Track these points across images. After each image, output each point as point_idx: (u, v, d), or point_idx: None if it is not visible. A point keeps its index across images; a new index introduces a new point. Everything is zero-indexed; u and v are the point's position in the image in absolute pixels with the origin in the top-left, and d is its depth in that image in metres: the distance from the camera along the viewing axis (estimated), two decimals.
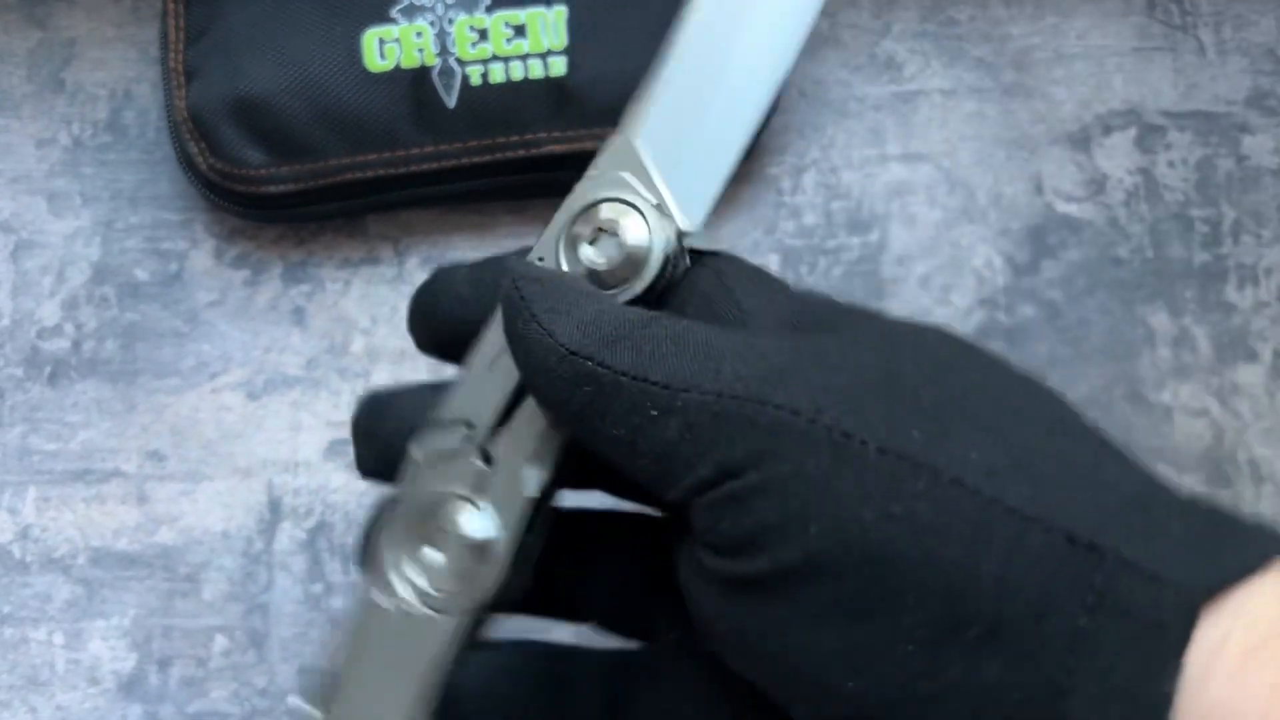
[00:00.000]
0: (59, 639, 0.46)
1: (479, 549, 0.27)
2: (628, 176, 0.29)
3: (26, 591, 0.46)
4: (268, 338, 0.48)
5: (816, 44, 0.50)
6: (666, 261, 0.27)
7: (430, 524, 0.28)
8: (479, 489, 0.28)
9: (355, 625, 0.29)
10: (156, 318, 0.48)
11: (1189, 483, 0.46)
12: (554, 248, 0.28)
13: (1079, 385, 0.47)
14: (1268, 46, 0.50)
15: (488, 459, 0.28)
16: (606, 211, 0.28)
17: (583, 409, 0.24)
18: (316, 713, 0.29)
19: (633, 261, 0.27)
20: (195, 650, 0.46)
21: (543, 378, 0.24)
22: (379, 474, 0.31)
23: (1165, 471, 0.46)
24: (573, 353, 0.24)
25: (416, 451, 0.29)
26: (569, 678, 0.29)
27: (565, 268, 0.28)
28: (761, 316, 0.26)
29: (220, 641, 0.46)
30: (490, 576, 0.27)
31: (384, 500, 0.30)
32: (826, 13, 0.50)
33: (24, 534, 0.47)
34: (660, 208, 0.28)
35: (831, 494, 0.21)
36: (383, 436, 0.30)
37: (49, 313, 0.49)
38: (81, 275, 0.49)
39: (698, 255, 0.28)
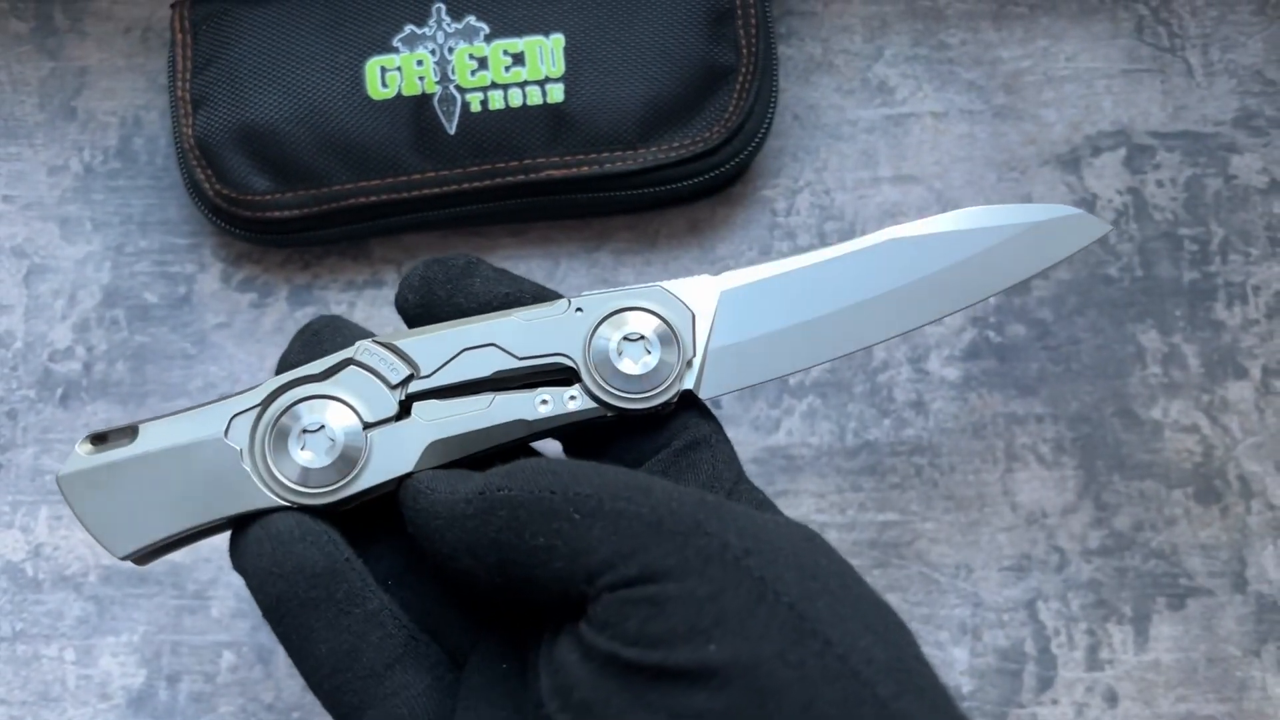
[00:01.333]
0: (70, 655, 0.47)
1: (334, 451, 0.31)
2: (680, 304, 0.33)
3: (39, 609, 0.47)
4: (274, 359, 0.49)
5: (810, 68, 0.51)
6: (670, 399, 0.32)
7: (310, 410, 0.31)
8: (372, 418, 0.31)
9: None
10: (165, 340, 0.50)
11: (1179, 499, 0.47)
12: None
13: (1070, 403, 0.48)
14: (1255, 68, 0.51)
15: (404, 410, 0.31)
16: (633, 321, 0.33)
17: (499, 532, 0.27)
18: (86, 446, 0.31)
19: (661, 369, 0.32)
20: (204, 666, 0.46)
21: (448, 521, 0.28)
22: (411, 310, 0.33)
23: (1155, 488, 0.46)
24: (481, 493, 0.27)
25: (358, 350, 0.31)
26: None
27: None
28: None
29: (228, 658, 0.47)
30: (335, 480, 0.31)
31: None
32: (820, 38, 0.51)
33: (36, 552, 0.48)
34: (687, 358, 0.33)
35: (741, 625, 0.24)
36: (430, 296, 0.33)
37: (61, 335, 0.50)
38: (92, 299, 0.50)
39: (705, 414, 0.33)
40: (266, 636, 0.47)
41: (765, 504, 0.31)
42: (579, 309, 0.32)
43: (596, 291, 0.33)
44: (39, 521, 0.48)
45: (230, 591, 0.47)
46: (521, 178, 0.47)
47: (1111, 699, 0.45)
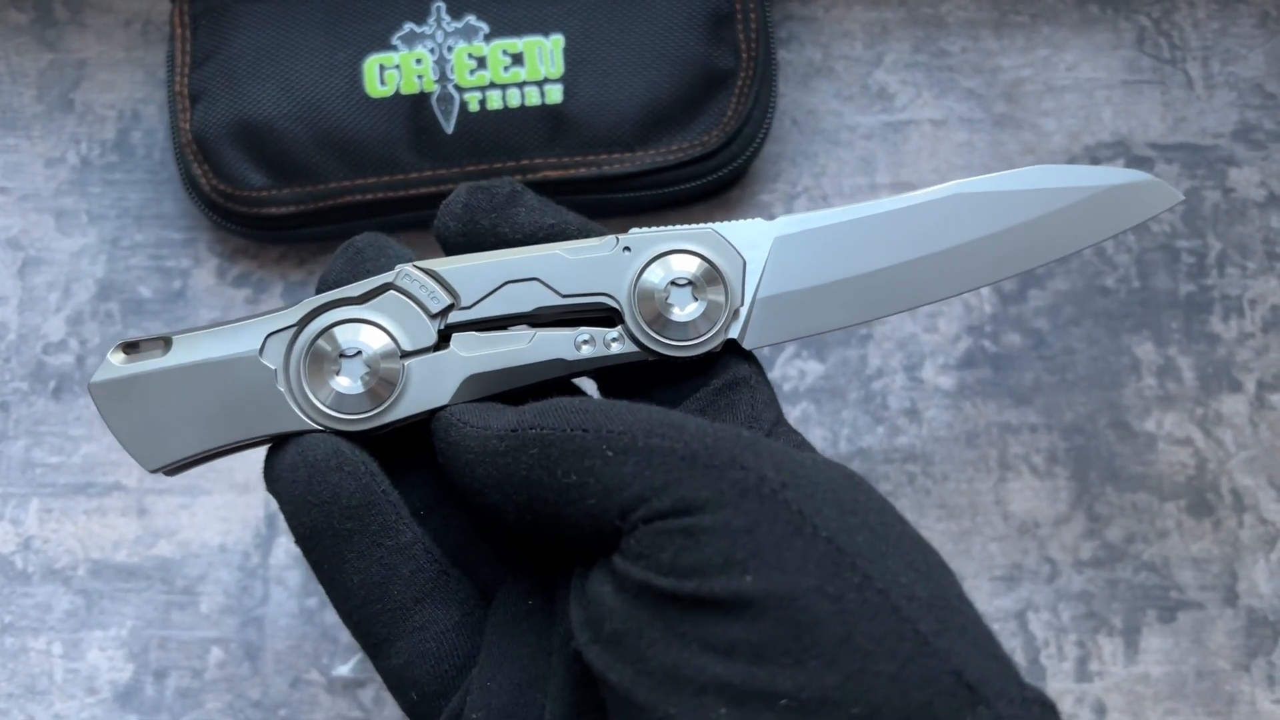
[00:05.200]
0: (58, 649, 0.47)
1: (370, 379, 0.30)
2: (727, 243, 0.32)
3: (27, 601, 0.47)
4: None
5: (809, 73, 0.51)
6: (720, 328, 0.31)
7: (346, 334, 0.30)
8: (410, 346, 0.30)
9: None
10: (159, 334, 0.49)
11: (1171, 511, 0.47)
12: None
13: (1064, 413, 0.47)
14: (1255, 81, 0.50)
15: (442, 340, 0.30)
16: (681, 264, 0.32)
17: (529, 469, 0.26)
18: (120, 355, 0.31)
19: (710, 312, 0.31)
20: (191, 662, 0.46)
21: (482, 456, 0.27)
22: (451, 238, 0.32)
23: (1148, 500, 0.46)
24: (513, 430, 0.27)
25: (399, 275, 0.31)
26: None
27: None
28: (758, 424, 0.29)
29: (216, 653, 0.46)
30: (369, 408, 0.30)
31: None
32: (820, 43, 0.51)
33: (26, 545, 0.48)
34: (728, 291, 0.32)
35: (778, 556, 0.24)
36: (472, 226, 0.32)
37: (54, 328, 0.50)
38: (87, 292, 0.50)
39: (746, 354, 0.32)
40: (254, 633, 0.46)
41: (804, 446, 0.31)
42: (626, 248, 0.31)
43: (647, 230, 0.31)
44: (29, 514, 0.48)
45: (219, 588, 0.47)
46: (519, 178, 0.47)
47: (1100, 711, 0.45)
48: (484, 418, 0.28)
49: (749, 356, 0.32)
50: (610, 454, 0.26)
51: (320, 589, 0.47)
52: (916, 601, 0.24)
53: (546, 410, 0.27)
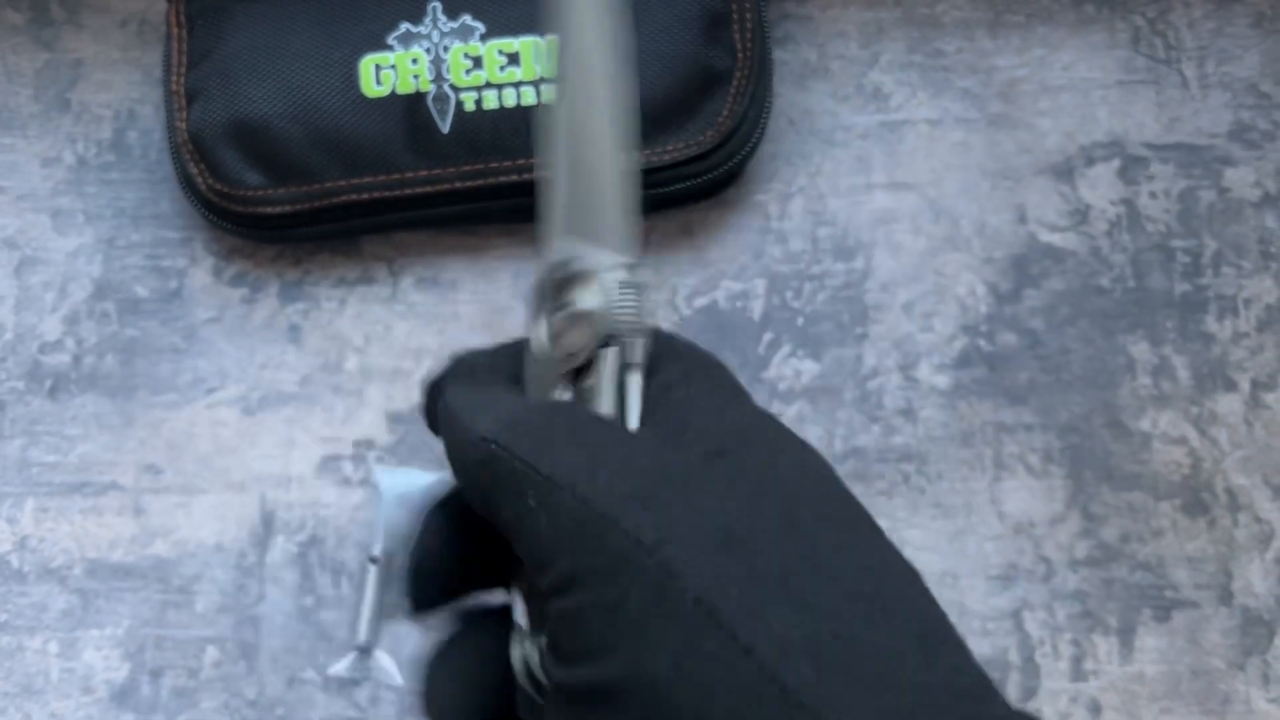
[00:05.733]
0: (54, 648, 0.47)
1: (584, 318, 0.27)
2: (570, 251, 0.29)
3: (23, 600, 0.47)
4: (264, 355, 0.49)
5: (805, 73, 0.51)
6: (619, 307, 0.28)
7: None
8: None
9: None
10: (155, 334, 0.49)
11: (1166, 510, 0.47)
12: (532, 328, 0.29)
13: (1059, 413, 0.48)
14: (1250, 81, 0.51)
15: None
16: (562, 285, 0.29)
17: (483, 489, 0.25)
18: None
19: (588, 324, 0.28)
20: (187, 661, 0.46)
21: (458, 462, 0.26)
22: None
23: (1143, 499, 0.46)
24: (483, 438, 0.25)
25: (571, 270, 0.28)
26: None
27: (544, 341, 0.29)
28: (692, 433, 0.26)
29: (211, 653, 0.46)
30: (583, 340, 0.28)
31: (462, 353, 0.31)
32: (815, 43, 0.51)
33: (22, 544, 0.48)
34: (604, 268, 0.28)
35: (639, 633, 0.22)
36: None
37: (51, 328, 0.50)
38: (83, 291, 0.50)
39: (689, 351, 0.29)
40: (250, 632, 0.47)
41: (748, 427, 0.28)
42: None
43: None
44: (25, 513, 0.48)
45: (215, 587, 0.47)
46: (515, 178, 0.47)
47: (1095, 710, 0.45)
48: (473, 412, 0.27)
49: (690, 357, 0.30)
50: (533, 503, 0.24)
51: (316, 588, 0.47)
52: (789, 653, 0.21)
53: (519, 421, 0.26)
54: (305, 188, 0.47)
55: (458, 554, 0.29)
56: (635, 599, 0.22)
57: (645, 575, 0.22)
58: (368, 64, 0.47)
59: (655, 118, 0.47)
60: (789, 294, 0.49)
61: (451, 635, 0.29)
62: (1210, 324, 0.48)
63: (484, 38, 0.47)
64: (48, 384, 0.49)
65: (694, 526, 0.23)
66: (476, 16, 0.47)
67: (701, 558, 0.22)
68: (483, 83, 0.47)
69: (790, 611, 0.22)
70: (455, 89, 0.47)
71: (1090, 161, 0.50)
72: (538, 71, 0.47)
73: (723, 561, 0.22)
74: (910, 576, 0.24)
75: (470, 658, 0.29)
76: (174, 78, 0.48)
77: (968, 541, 0.47)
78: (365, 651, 0.46)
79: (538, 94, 0.47)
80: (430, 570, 0.29)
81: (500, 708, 0.28)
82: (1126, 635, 0.46)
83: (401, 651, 0.46)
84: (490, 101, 0.47)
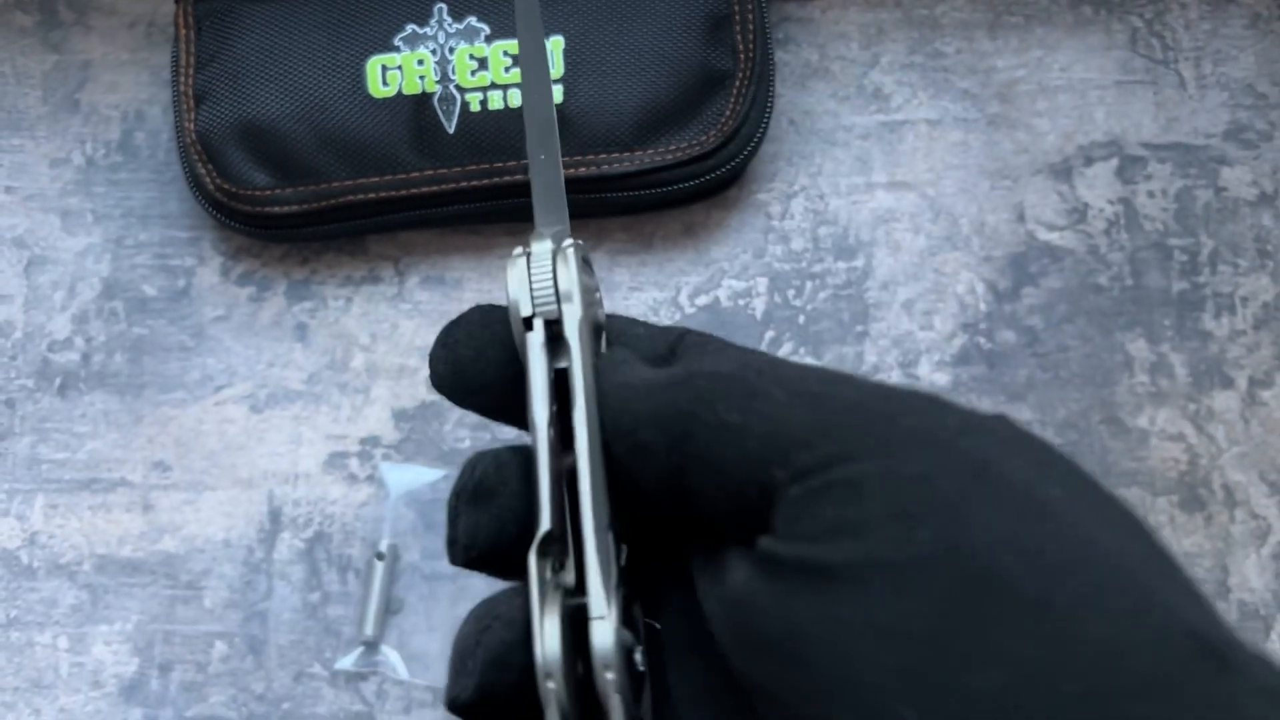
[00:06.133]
0: (63, 643, 0.47)
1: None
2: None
3: (33, 596, 0.48)
4: (271, 353, 0.50)
5: (806, 74, 0.52)
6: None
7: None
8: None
9: None
10: (164, 332, 0.50)
11: (1163, 506, 0.47)
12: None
13: (1057, 410, 0.48)
14: (1247, 81, 0.51)
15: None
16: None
17: (692, 403, 0.23)
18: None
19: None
20: (195, 656, 0.47)
21: (640, 395, 0.24)
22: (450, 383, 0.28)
23: (1140, 495, 0.47)
24: (683, 369, 0.24)
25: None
26: None
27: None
28: None
29: (220, 648, 0.47)
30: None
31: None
32: (816, 44, 0.52)
33: (32, 540, 0.48)
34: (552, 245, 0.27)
35: (956, 509, 0.20)
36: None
37: (60, 326, 0.50)
38: (92, 290, 0.50)
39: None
40: (258, 627, 0.47)
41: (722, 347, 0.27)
42: None
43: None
44: (34, 510, 0.48)
45: (223, 583, 0.47)
46: (519, 177, 0.48)
47: None
48: (648, 360, 0.26)
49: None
50: (780, 396, 0.23)
51: (322, 584, 0.47)
52: (1129, 553, 0.20)
53: (714, 358, 0.25)
54: (312, 187, 0.48)
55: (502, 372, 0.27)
56: (944, 479, 0.20)
57: (955, 458, 0.21)
58: (374, 65, 0.48)
59: (658, 119, 0.48)
60: (790, 292, 0.50)
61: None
62: (1207, 322, 0.49)
63: (489, 39, 0.48)
64: (57, 382, 0.50)
65: (986, 428, 0.22)
66: (482, 18, 0.48)
67: (1010, 455, 0.21)
68: (488, 83, 0.48)
69: (1113, 524, 0.21)
70: (461, 90, 0.48)
71: (1088, 161, 0.50)
72: None
73: (1031, 466, 0.21)
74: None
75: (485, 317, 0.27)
76: (182, 79, 0.49)
77: None
78: (372, 646, 0.46)
79: None
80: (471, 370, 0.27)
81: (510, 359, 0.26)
82: None
83: (408, 646, 0.46)
84: (495, 102, 0.47)
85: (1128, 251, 0.50)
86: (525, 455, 0.26)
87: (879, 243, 0.50)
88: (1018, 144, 0.51)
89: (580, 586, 0.24)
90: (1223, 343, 0.49)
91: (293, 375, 0.50)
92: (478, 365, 0.27)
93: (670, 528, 0.25)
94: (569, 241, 0.26)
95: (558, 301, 0.25)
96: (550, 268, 0.26)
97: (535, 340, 0.25)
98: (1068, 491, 0.21)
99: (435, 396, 0.49)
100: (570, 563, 0.25)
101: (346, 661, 0.46)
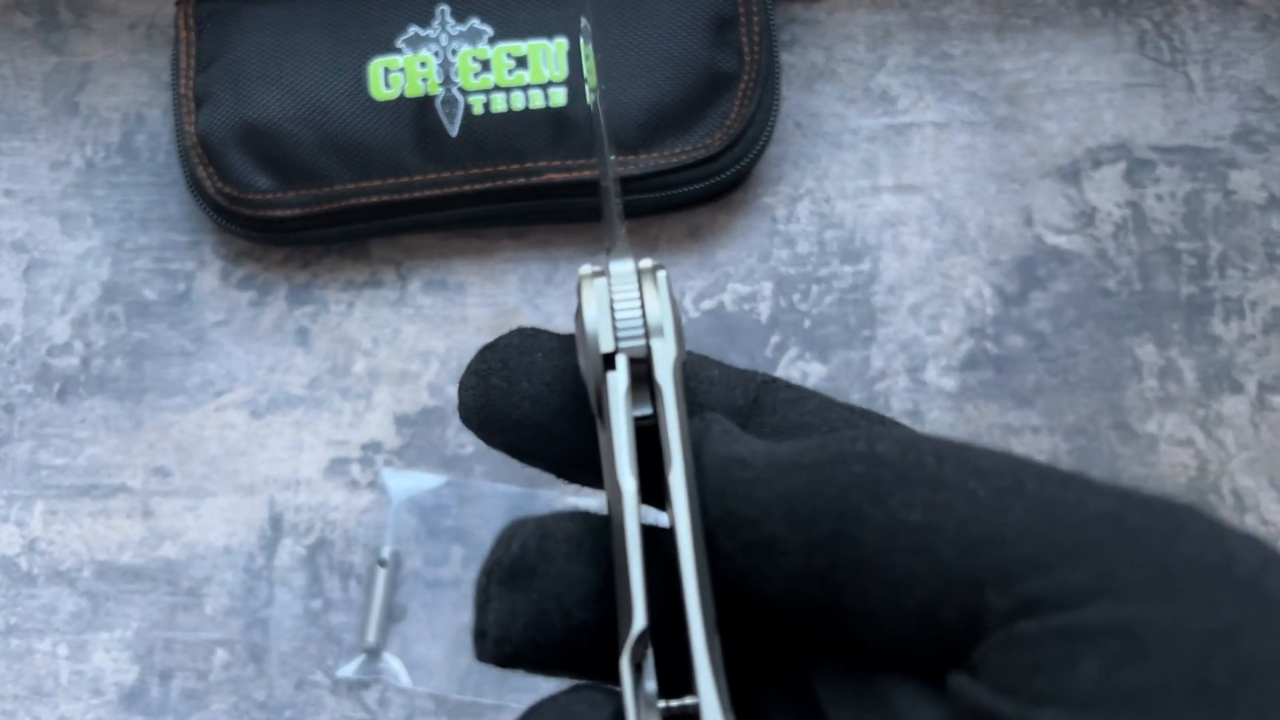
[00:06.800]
0: (63, 650, 0.47)
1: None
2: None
3: (33, 603, 0.47)
4: (272, 358, 0.49)
5: (812, 76, 0.51)
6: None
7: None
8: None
9: None
10: (164, 337, 0.50)
11: None
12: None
13: (1066, 415, 0.48)
14: (1256, 84, 0.51)
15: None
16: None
17: (845, 491, 0.18)
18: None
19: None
20: (196, 663, 0.46)
21: (763, 477, 0.19)
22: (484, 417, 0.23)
23: None
24: (821, 444, 0.19)
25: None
26: None
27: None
28: None
29: (220, 655, 0.47)
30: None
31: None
32: (822, 46, 0.51)
33: (31, 547, 0.48)
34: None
35: (1273, 681, 0.15)
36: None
37: (59, 330, 0.50)
38: (91, 294, 0.50)
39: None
40: (259, 634, 0.47)
41: (804, 398, 0.23)
42: None
43: None
44: (34, 516, 0.48)
45: (224, 589, 0.47)
46: (522, 181, 0.47)
47: None
48: (748, 436, 0.20)
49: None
50: (980, 492, 0.17)
51: (324, 591, 0.47)
52: None
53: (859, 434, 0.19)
54: (314, 191, 0.48)
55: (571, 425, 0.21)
56: (1261, 633, 0.15)
57: (1268, 603, 0.15)
58: (376, 67, 0.47)
59: (663, 121, 0.47)
60: (796, 296, 0.49)
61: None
62: (1216, 326, 0.49)
63: (492, 41, 0.47)
64: (56, 387, 0.49)
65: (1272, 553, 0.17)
66: (485, 20, 0.48)
67: None
68: (491, 86, 0.47)
69: None
70: (464, 92, 0.47)
71: (1096, 164, 0.50)
72: (546, 75, 0.47)
73: None
74: None
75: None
76: (183, 81, 0.49)
77: None
78: (374, 654, 0.46)
79: (545, 97, 0.47)
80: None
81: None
82: None
83: (410, 654, 0.46)
84: (498, 105, 0.47)
85: (1136, 255, 0.49)
86: (576, 526, 0.20)
87: (885, 246, 0.50)
88: (1025, 147, 0.50)
89: (665, 690, 0.19)
90: (1232, 347, 0.48)
91: (294, 380, 0.49)
92: (509, 400, 0.21)
93: (778, 630, 0.20)
94: (650, 261, 0.21)
95: (646, 336, 0.20)
96: (637, 293, 0.21)
97: (618, 383, 0.20)
98: None
99: (437, 401, 0.49)
100: (649, 663, 0.19)
101: (348, 669, 0.46)
